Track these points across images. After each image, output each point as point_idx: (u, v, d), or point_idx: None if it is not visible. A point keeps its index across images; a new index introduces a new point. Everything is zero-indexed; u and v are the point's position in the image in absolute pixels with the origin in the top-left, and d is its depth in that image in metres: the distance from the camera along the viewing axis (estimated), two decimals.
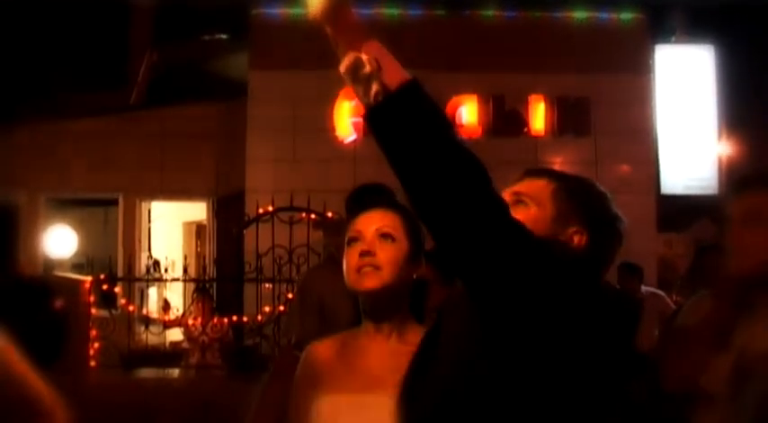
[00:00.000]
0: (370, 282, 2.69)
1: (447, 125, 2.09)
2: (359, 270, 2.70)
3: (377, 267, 2.69)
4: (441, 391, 2.23)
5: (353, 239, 2.76)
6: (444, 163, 2.04)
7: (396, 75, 2.09)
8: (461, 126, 12.79)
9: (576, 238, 2.31)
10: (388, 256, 2.71)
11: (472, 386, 2.17)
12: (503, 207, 2.10)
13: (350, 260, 2.73)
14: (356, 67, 2.07)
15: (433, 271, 2.99)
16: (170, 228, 15.66)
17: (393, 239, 2.74)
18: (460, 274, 2.14)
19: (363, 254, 2.70)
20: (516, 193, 2.34)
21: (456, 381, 2.20)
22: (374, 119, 2.10)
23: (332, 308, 5.02)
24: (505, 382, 2.13)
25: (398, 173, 2.08)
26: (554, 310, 2.09)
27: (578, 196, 2.37)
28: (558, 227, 2.31)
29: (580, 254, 2.29)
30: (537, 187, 2.37)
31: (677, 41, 14.64)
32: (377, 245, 2.72)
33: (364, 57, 2.08)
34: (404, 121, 2.06)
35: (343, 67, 2.10)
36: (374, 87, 2.06)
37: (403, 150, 2.07)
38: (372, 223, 2.76)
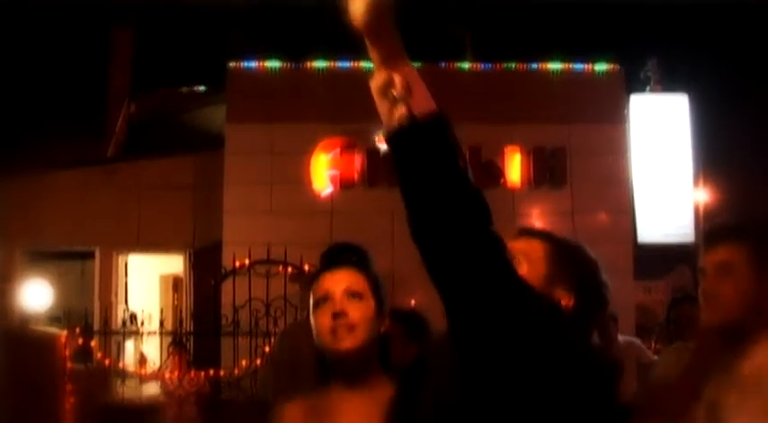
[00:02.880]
0: (347, 342, 2.67)
1: (462, 162, 2.10)
2: (333, 331, 2.68)
3: (351, 328, 2.68)
4: None
5: (323, 300, 2.74)
6: (452, 197, 2.05)
7: (424, 103, 2.09)
8: None
9: (563, 300, 2.32)
10: (359, 316, 2.69)
11: None
12: (500, 247, 2.11)
13: (322, 321, 2.71)
14: (387, 86, 2.06)
15: (397, 327, 2.98)
16: (147, 280, 15.58)
17: (361, 298, 2.73)
18: (447, 304, 2.13)
19: (336, 315, 2.68)
20: (510, 251, 2.36)
21: None
22: (395, 141, 2.10)
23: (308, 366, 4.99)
24: None
25: (406, 196, 2.09)
26: (536, 356, 2.09)
27: (570, 260, 2.40)
28: (547, 287, 2.32)
29: (566, 314, 2.31)
30: (531, 247, 2.40)
31: (652, 90, 14.74)
32: (347, 304, 2.71)
33: (397, 78, 2.07)
34: (423, 150, 2.07)
35: (373, 83, 2.09)
36: (401, 110, 2.06)
37: (415, 177, 2.08)
38: (340, 283, 2.75)
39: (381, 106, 2.11)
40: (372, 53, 2.09)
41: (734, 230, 2.94)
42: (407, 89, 2.06)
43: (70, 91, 16.49)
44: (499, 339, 2.08)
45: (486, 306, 2.07)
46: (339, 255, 2.78)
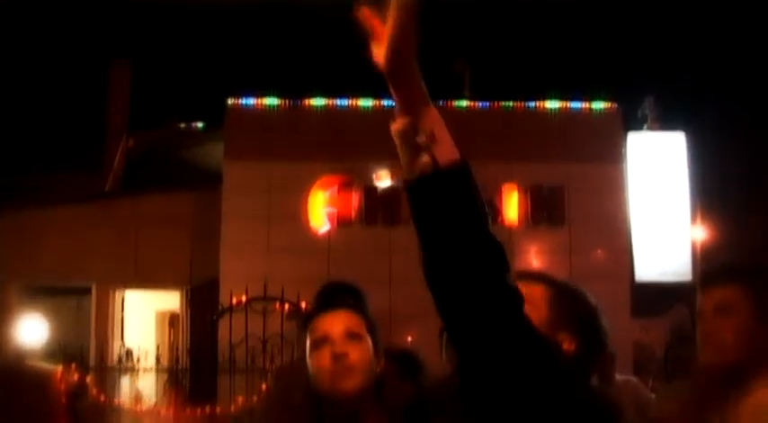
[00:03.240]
0: (347, 384, 2.66)
1: (483, 213, 2.08)
2: (332, 373, 2.67)
3: (350, 369, 2.67)
4: None
5: (321, 341, 2.73)
6: (472, 248, 2.02)
7: (448, 151, 2.05)
8: None
9: (565, 344, 2.34)
10: (359, 357, 2.69)
11: None
12: (516, 299, 2.09)
13: (321, 363, 2.70)
14: (411, 131, 2.04)
15: (391, 366, 2.98)
16: (143, 316, 15.53)
17: (360, 339, 2.73)
18: (458, 348, 2.12)
19: (336, 357, 2.68)
20: None
21: None
22: (416, 189, 2.07)
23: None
24: None
25: (423, 242, 2.06)
26: (544, 401, 2.08)
27: (572, 305, 2.42)
28: (550, 331, 2.32)
29: (568, 358, 2.32)
30: (532, 291, 2.37)
31: (649, 129, 14.77)
32: (347, 346, 2.70)
33: (423, 124, 2.04)
34: (445, 200, 2.03)
35: (395, 128, 2.06)
36: (424, 158, 2.03)
37: (435, 225, 2.04)
38: (339, 324, 2.75)
39: (403, 151, 2.07)
40: (395, 96, 2.06)
41: (732, 272, 2.95)
42: (432, 136, 2.04)
43: (69, 126, 16.53)
44: (509, 386, 2.07)
45: (500, 356, 2.05)
46: (335, 295, 2.77)
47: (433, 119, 2.04)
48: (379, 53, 2.01)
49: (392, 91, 2.04)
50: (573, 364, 2.30)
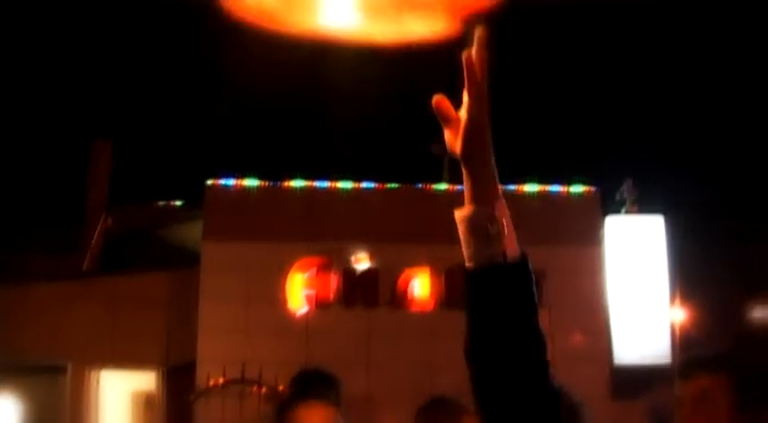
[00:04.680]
0: None
1: (536, 306, 2.11)
2: None
3: None
4: None
5: None
6: (522, 339, 2.07)
7: (514, 244, 2.08)
8: (413, 299, 12.83)
9: None
10: None
11: None
12: (555, 399, 2.11)
13: None
14: (483, 221, 2.04)
15: None
16: (119, 397, 15.36)
17: None
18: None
19: None
20: None
21: None
22: (480, 278, 2.07)
23: None
24: None
25: (474, 328, 2.08)
26: None
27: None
28: None
29: None
30: None
31: (627, 212, 14.82)
32: None
33: (499, 215, 2.05)
34: (507, 293, 2.06)
35: (465, 214, 2.07)
36: (494, 249, 2.04)
37: (491, 314, 2.07)
38: (312, 417, 2.73)
39: (469, 238, 2.08)
40: (469, 182, 2.08)
41: (712, 361, 2.96)
42: (504, 229, 2.05)
43: (48, 204, 16.49)
44: None
45: None
46: (310, 384, 2.76)
47: (504, 210, 2.07)
48: (453, 139, 2.04)
49: (466, 177, 2.08)
50: None
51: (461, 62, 1.98)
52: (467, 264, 2.08)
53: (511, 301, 2.02)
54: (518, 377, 1.99)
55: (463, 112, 2.01)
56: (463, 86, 2.02)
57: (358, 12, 2.06)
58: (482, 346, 2.02)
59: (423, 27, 2.14)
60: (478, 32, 1.99)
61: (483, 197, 2.04)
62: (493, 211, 2.03)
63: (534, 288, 2.09)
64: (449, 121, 2.05)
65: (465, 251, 2.07)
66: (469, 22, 2.06)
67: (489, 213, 2.03)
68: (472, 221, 2.04)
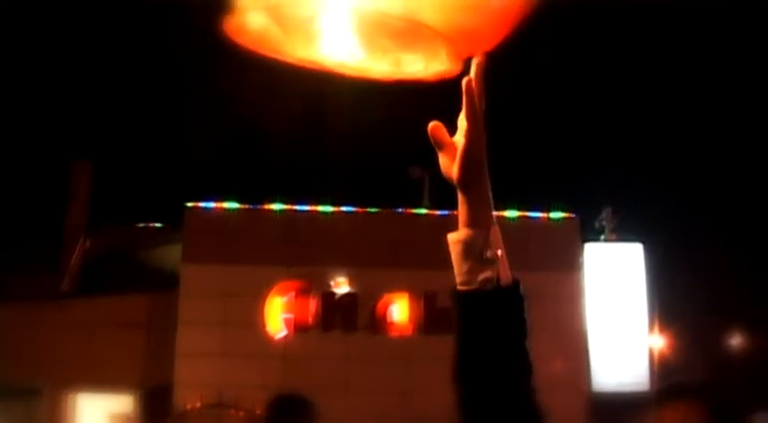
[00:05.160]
0: None
1: (526, 330, 2.12)
2: None
3: None
4: None
5: None
6: (511, 362, 2.07)
7: (507, 270, 2.10)
8: (392, 324, 12.82)
9: None
10: None
11: None
12: (540, 413, 2.13)
13: None
14: (479, 244, 2.06)
15: None
16: (95, 420, 15.26)
17: None
18: None
19: None
20: None
21: None
22: (472, 301, 2.09)
23: None
24: None
25: (463, 349, 2.09)
26: None
27: None
28: None
29: None
30: None
31: (606, 239, 14.89)
32: None
33: (493, 239, 2.07)
34: (499, 316, 2.07)
35: (460, 238, 2.08)
36: (488, 273, 2.05)
37: (481, 336, 2.08)
38: None
39: (462, 261, 2.10)
40: (465, 207, 2.10)
41: (690, 390, 2.97)
42: (498, 254, 2.07)
43: (27, 225, 16.43)
44: None
45: None
46: (286, 409, 2.75)
47: (498, 236, 2.08)
48: (448, 164, 2.05)
49: (462, 201, 2.08)
50: None
51: (461, 89, 2.00)
52: (459, 286, 2.09)
53: (503, 324, 2.02)
54: (507, 400, 2.00)
55: (460, 138, 2.03)
56: (456, 113, 2.04)
57: (357, 46, 2.07)
58: (472, 369, 2.03)
59: (421, 67, 2.15)
60: (478, 60, 2.02)
61: (479, 222, 2.05)
62: (488, 236, 2.05)
63: (526, 313, 2.10)
64: (443, 146, 2.06)
65: (458, 274, 2.07)
66: (466, 63, 2.09)
67: (485, 237, 2.04)
68: (468, 244, 2.05)
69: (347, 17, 1.99)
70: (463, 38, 2.05)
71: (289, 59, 2.09)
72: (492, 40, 2.10)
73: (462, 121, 2.07)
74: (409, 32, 2.01)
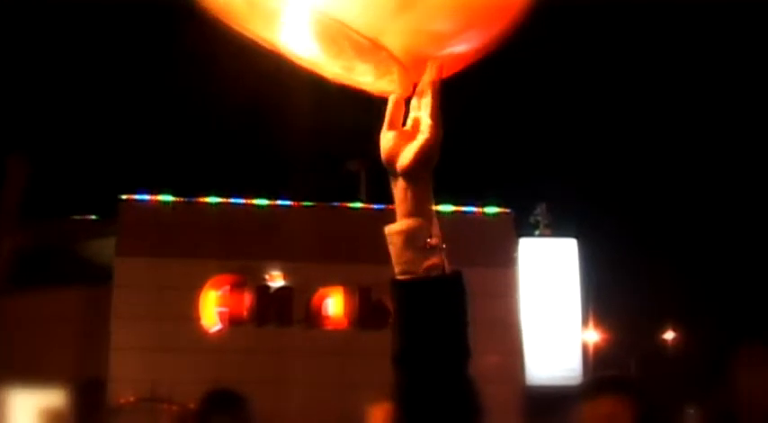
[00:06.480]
0: None
1: (467, 319, 2.16)
2: None
3: None
4: None
5: None
6: (450, 348, 2.11)
7: (447, 261, 2.14)
8: (327, 317, 12.81)
9: None
10: None
11: None
12: (475, 395, 2.17)
13: None
14: (422, 234, 2.09)
15: None
16: (26, 414, 15.10)
17: None
18: None
19: None
20: None
21: None
22: (414, 289, 2.12)
23: None
24: None
25: (404, 336, 2.12)
26: None
27: None
28: None
29: None
30: None
31: (541, 235, 15.03)
32: None
33: (435, 228, 2.10)
34: (442, 304, 2.11)
35: (401, 228, 2.11)
36: (432, 261, 2.08)
37: (422, 324, 2.11)
38: None
39: (403, 250, 2.13)
40: (409, 196, 2.13)
41: (616, 384, 3.02)
42: (441, 241, 2.12)
43: None
44: None
45: None
46: (218, 404, 2.75)
47: (438, 228, 2.13)
48: (391, 147, 2.08)
49: (409, 192, 2.11)
50: None
51: (428, 87, 2.06)
52: (399, 276, 2.12)
53: (445, 312, 2.07)
54: (447, 387, 2.04)
55: (424, 133, 2.06)
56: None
57: (315, 42, 2.08)
58: (412, 355, 2.06)
59: (370, 80, 2.18)
60: (435, 63, 2.06)
61: (422, 213, 2.10)
62: (431, 226, 2.09)
63: (467, 303, 2.13)
64: (394, 126, 2.10)
65: (398, 264, 2.11)
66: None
67: (428, 228, 2.08)
68: (411, 235, 2.08)
69: (311, 15, 2.01)
70: (418, 67, 2.09)
71: (249, 35, 2.09)
72: (448, 72, 2.15)
73: (426, 118, 2.11)
74: (368, 48, 2.04)
